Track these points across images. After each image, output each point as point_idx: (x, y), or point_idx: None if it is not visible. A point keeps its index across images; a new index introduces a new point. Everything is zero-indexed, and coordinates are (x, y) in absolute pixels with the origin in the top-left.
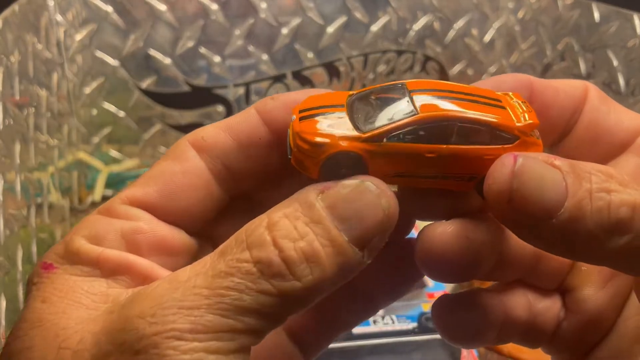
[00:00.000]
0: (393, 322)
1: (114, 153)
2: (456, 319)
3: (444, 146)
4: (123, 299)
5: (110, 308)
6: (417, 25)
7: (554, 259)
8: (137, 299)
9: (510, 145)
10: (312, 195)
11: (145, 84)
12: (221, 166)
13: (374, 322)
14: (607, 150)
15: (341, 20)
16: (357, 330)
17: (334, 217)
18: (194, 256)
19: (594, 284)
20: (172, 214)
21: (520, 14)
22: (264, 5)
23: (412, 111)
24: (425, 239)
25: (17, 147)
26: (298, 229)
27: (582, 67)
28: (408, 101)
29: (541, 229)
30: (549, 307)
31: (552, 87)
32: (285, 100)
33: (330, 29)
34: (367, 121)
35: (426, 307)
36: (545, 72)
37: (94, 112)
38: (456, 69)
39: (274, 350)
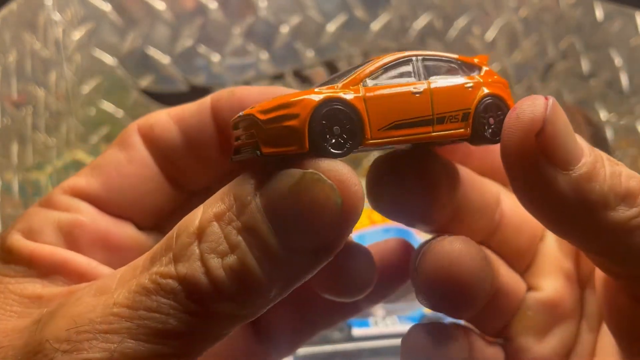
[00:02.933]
0: (394, 324)
1: None
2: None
3: (426, 81)
4: (52, 305)
5: (37, 317)
6: (418, 24)
7: (505, 296)
8: (58, 314)
9: (481, 75)
10: (248, 189)
11: (144, 83)
12: (167, 161)
13: (375, 323)
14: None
15: (341, 18)
16: (357, 331)
17: (273, 220)
18: (146, 251)
19: (537, 333)
20: (118, 207)
21: (521, 12)
22: (263, 3)
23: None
24: (438, 257)
25: (15, 147)
26: (229, 239)
27: (584, 66)
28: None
29: (558, 181)
30: (494, 355)
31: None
32: (241, 97)
33: (330, 27)
34: (337, 83)
35: None
36: (547, 71)
37: (92, 111)
38: None
39: (235, 350)
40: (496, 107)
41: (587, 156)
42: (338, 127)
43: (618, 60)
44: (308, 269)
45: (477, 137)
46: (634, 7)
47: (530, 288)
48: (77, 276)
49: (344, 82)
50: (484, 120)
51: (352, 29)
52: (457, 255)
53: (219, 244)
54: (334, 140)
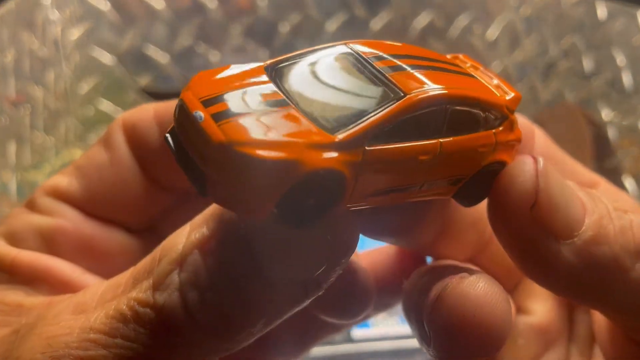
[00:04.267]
0: (394, 325)
1: None
2: None
3: (439, 141)
4: (31, 317)
5: (16, 327)
6: (419, 22)
7: None
8: (35, 328)
9: (501, 129)
10: (232, 216)
11: (143, 81)
12: (148, 162)
13: (375, 324)
14: None
15: (341, 17)
16: (358, 333)
17: (257, 253)
18: (137, 257)
19: None
20: (103, 210)
21: (523, 11)
22: (263, 2)
23: (393, 94)
24: (461, 304)
25: (13, 146)
26: (210, 271)
27: (586, 65)
28: (376, 76)
29: (561, 253)
30: None
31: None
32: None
33: (330, 26)
34: (326, 112)
35: None
36: (548, 70)
37: (91, 110)
38: None
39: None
40: (490, 175)
41: (591, 214)
42: (314, 200)
43: (620, 60)
44: (295, 304)
45: (457, 198)
46: (636, 6)
47: (519, 310)
48: (60, 284)
49: (349, 135)
50: (471, 187)
51: (352, 28)
52: (483, 300)
53: (200, 276)
54: (305, 209)
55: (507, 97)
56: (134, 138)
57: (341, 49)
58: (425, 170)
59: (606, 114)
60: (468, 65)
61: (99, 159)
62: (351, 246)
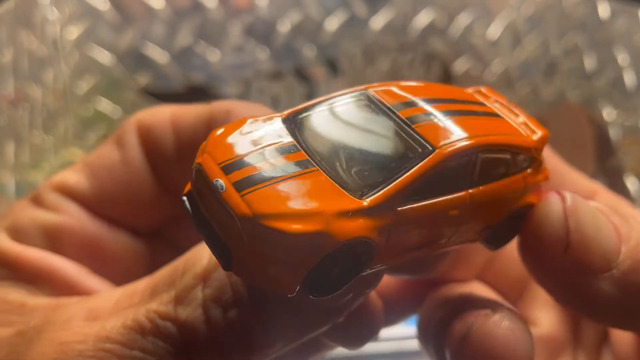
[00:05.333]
0: (396, 326)
1: None
2: None
3: (468, 192)
4: (36, 319)
5: (21, 328)
6: (420, 21)
7: None
8: (44, 332)
9: (530, 171)
10: None
11: (142, 81)
12: (160, 166)
13: None
14: None
15: (342, 15)
16: None
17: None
18: (143, 261)
19: None
20: (110, 210)
21: (524, 10)
22: (263, 1)
23: (422, 148)
24: (489, 343)
25: (12, 146)
26: (234, 289)
27: (588, 64)
28: (402, 127)
29: (599, 286)
30: None
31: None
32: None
33: (331, 25)
34: (352, 172)
35: None
36: (550, 69)
37: (90, 109)
38: (459, 65)
39: None
40: (518, 217)
41: (627, 241)
42: (338, 270)
43: (622, 59)
44: (315, 329)
45: (485, 243)
46: (638, 5)
47: (525, 321)
48: (65, 286)
49: (377, 199)
50: (499, 232)
51: (352, 27)
52: (509, 339)
53: (224, 293)
54: (330, 279)
55: (535, 137)
56: (148, 140)
57: (362, 96)
58: (456, 223)
59: (608, 113)
60: (492, 100)
61: (110, 157)
62: (378, 278)
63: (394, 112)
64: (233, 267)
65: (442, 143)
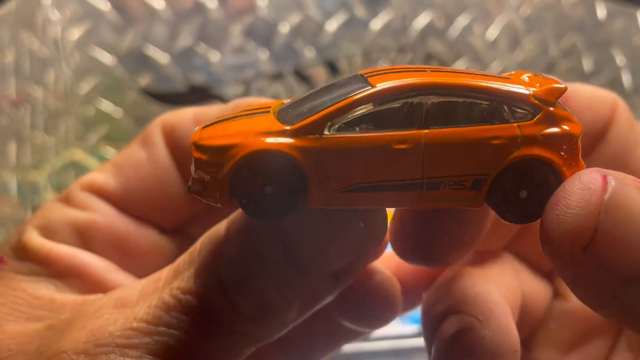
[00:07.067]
0: (395, 325)
1: (111, 152)
2: None
3: (422, 131)
4: (66, 313)
5: (51, 323)
6: (419, 23)
7: (527, 307)
8: (75, 323)
9: (530, 122)
10: None
11: (143, 82)
12: (186, 164)
13: None
14: None
15: (341, 17)
16: None
17: (291, 243)
18: (168, 257)
19: (560, 348)
20: (137, 208)
21: (523, 11)
22: (263, 2)
23: (362, 89)
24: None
25: (13, 147)
26: (247, 261)
27: (586, 65)
28: (360, 82)
29: (630, 294)
30: None
31: (583, 98)
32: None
33: (330, 26)
34: (299, 114)
35: None
36: (548, 70)
37: (91, 110)
38: (458, 66)
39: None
40: (536, 177)
41: None
42: (271, 187)
43: (620, 59)
44: (327, 292)
45: (497, 210)
46: (636, 6)
47: (557, 294)
48: (93, 282)
49: (302, 122)
50: (509, 193)
51: (352, 28)
52: (488, 349)
53: (239, 265)
54: (266, 200)
55: (534, 88)
56: (173, 139)
57: (352, 75)
58: (409, 163)
59: None
60: (524, 78)
61: (137, 156)
62: (381, 234)
63: (364, 78)
64: (190, 187)
65: (380, 84)
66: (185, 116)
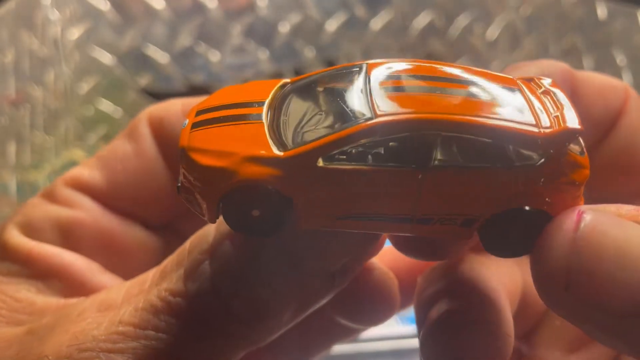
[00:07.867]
0: (394, 325)
1: None
2: None
3: (419, 172)
4: (47, 317)
5: (31, 327)
6: (419, 22)
7: (531, 298)
8: (57, 327)
9: (534, 167)
10: None
11: (143, 82)
12: (174, 157)
13: None
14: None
15: (341, 16)
16: None
17: (286, 244)
18: (156, 255)
19: (564, 346)
20: (123, 203)
21: (523, 11)
22: (263, 2)
23: (366, 114)
24: (452, 339)
25: (13, 146)
26: (240, 261)
27: (586, 65)
28: (363, 95)
29: (623, 327)
30: None
31: (595, 86)
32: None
33: (331, 26)
34: (299, 129)
35: None
36: None
37: (91, 110)
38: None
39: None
40: (529, 224)
41: None
42: (258, 211)
43: (620, 59)
44: (324, 293)
45: (486, 245)
46: (636, 6)
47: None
48: (76, 283)
49: (295, 151)
50: (500, 235)
51: (352, 28)
52: (466, 346)
53: (231, 265)
54: (253, 222)
55: (548, 129)
56: (161, 131)
57: (358, 67)
58: (404, 202)
59: None
60: (540, 91)
61: (123, 150)
62: (377, 235)
63: (369, 83)
64: (180, 189)
65: (382, 112)
66: (174, 108)
